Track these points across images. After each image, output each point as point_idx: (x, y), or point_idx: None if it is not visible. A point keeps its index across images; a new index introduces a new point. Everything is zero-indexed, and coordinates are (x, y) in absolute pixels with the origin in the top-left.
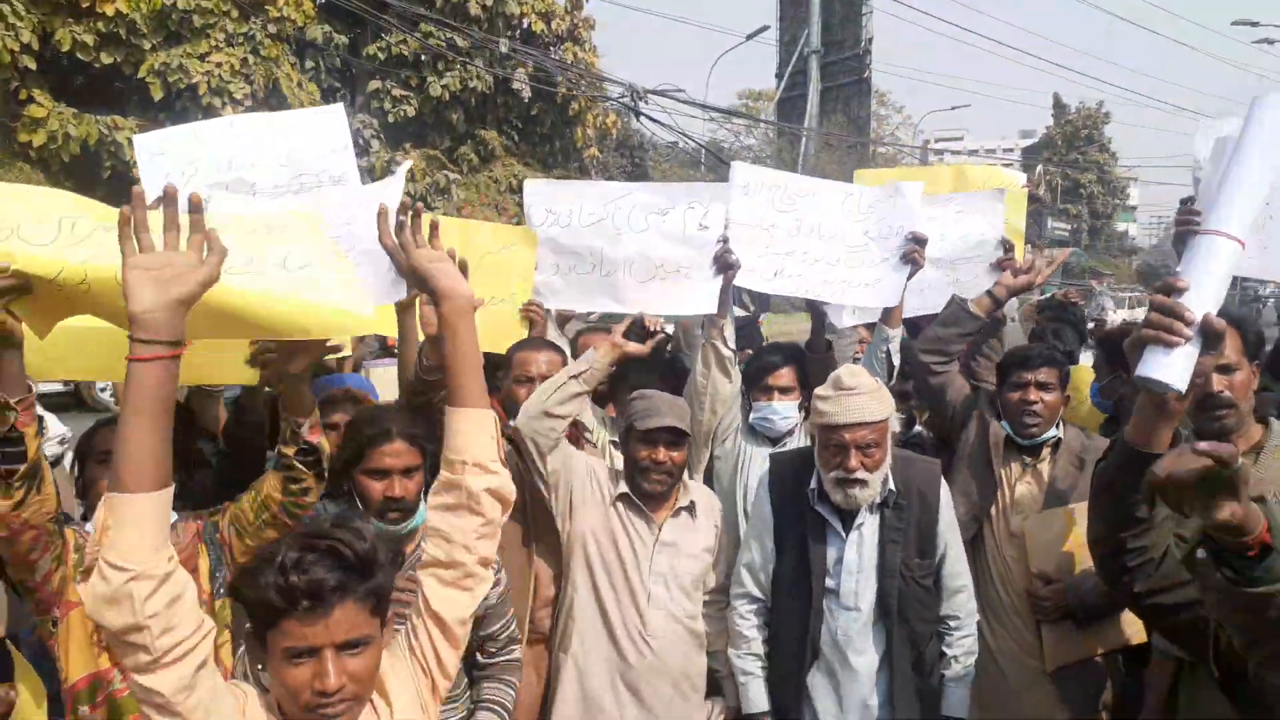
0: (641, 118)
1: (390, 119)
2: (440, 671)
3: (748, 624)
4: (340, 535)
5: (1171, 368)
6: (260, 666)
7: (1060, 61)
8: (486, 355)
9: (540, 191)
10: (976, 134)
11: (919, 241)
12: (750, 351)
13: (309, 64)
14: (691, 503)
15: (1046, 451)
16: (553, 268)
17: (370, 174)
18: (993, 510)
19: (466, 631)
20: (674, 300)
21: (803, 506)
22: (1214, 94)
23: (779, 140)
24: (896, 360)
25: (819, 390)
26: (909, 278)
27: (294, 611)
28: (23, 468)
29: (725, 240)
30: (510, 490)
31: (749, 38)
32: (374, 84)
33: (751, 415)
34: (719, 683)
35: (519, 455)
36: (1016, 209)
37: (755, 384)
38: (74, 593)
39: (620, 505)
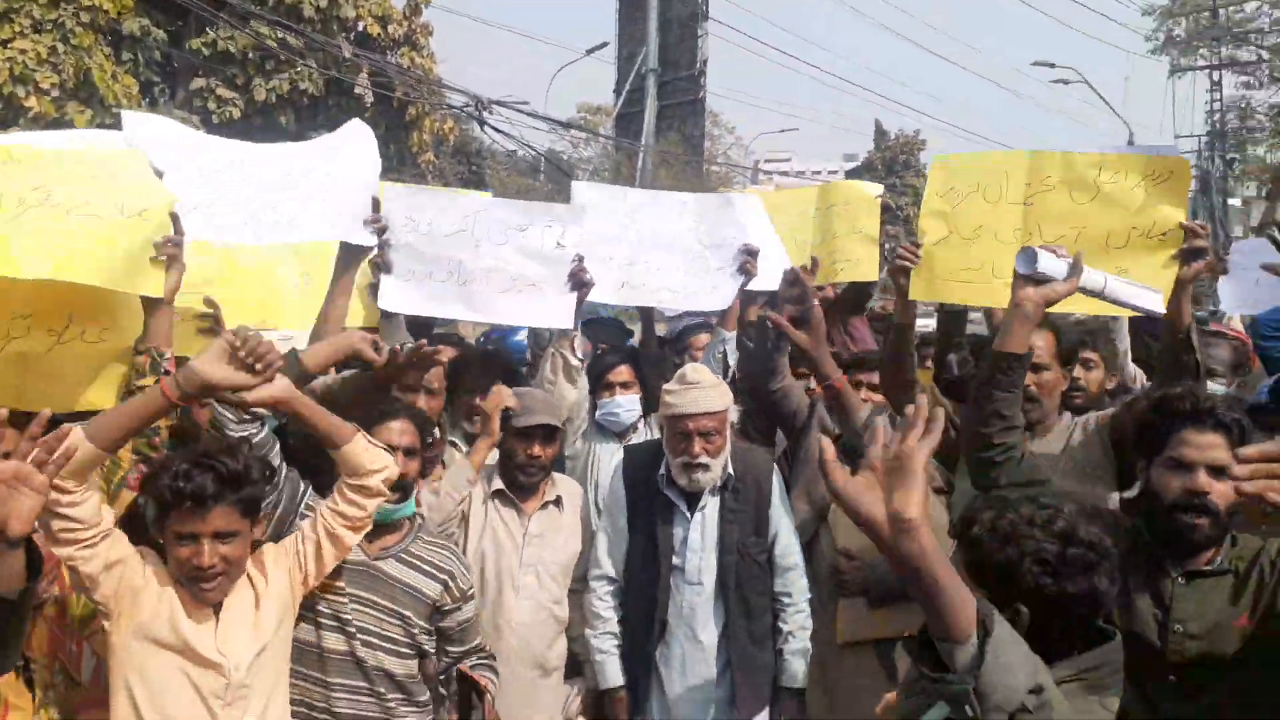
0: (486, 127)
1: (215, 119)
2: (315, 568)
3: (604, 605)
4: (221, 456)
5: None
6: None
7: (881, 91)
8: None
9: (400, 196)
10: (802, 157)
11: (750, 253)
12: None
13: (126, 56)
14: (559, 496)
15: None
16: (406, 274)
17: None
18: (832, 508)
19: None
20: (528, 312)
21: (653, 491)
22: (1019, 127)
23: (617, 155)
24: (732, 360)
25: (667, 386)
26: (742, 286)
27: (181, 507)
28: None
29: (580, 259)
30: (392, 473)
31: (588, 53)
32: (198, 81)
33: (598, 412)
34: (580, 665)
35: None
36: (871, 218)
37: (598, 383)
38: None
39: (495, 500)
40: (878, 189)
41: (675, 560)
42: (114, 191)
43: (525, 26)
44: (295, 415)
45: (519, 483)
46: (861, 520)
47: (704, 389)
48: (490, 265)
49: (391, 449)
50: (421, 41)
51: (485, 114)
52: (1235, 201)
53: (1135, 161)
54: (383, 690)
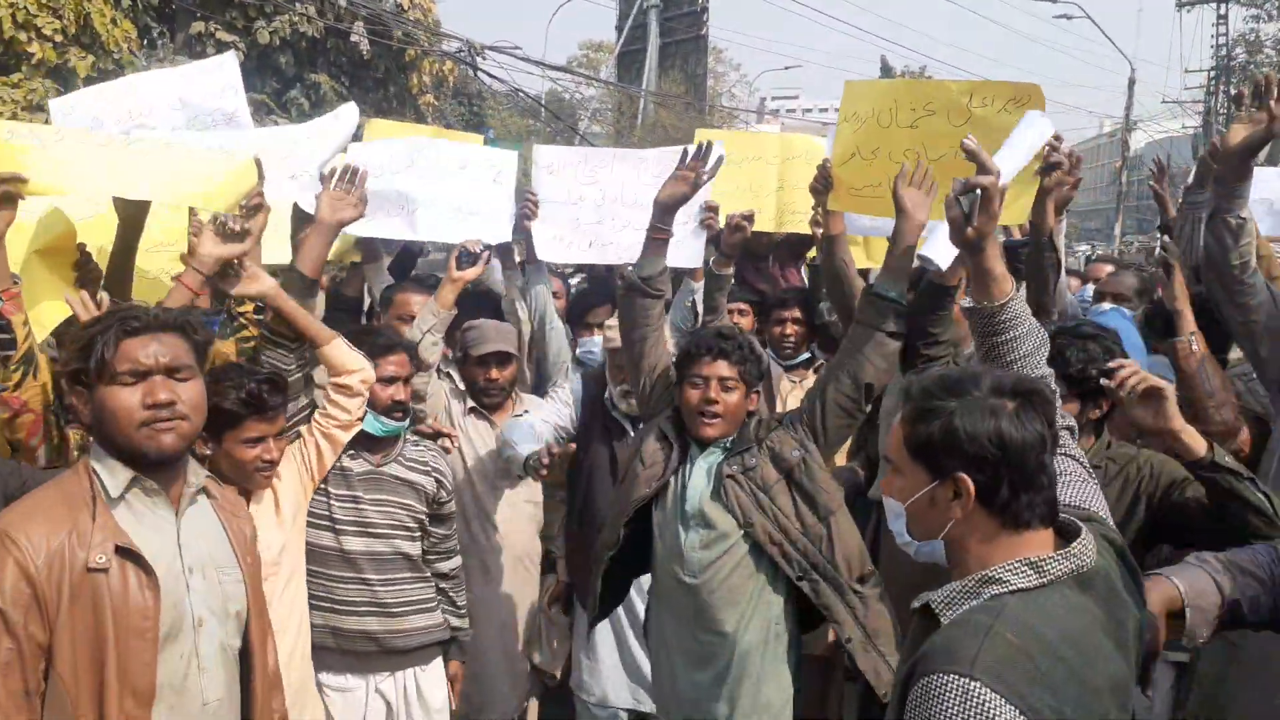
0: (480, 73)
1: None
2: (318, 467)
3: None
4: (272, 372)
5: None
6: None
7: (886, 31)
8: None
9: (362, 150)
10: (810, 93)
11: (711, 209)
12: None
13: (125, 1)
14: (525, 410)
15: (809, 371)
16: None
17: None
18: None
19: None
20: (466, 229)
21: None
22: (1015, 65)
23: (617, 94)
24: (700, 309)
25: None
26: (706, 240)
27: (257, 415)
28: (16, 353)
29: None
30: (368, 375)
31: None
32: (197, 25)
33: (577, 349)
34: (554, 563)
35: None
36: None
37: (578, 322)
38: None
39: (470, 416)
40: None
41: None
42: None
43: None
44: (279, 312)
45: (485, 404)
46: None
47: None
48: (434, 194)
49: (394, 379)
50: None
51: (479, 59)
52: None
53: (1000, 88)
54: (406, 573)
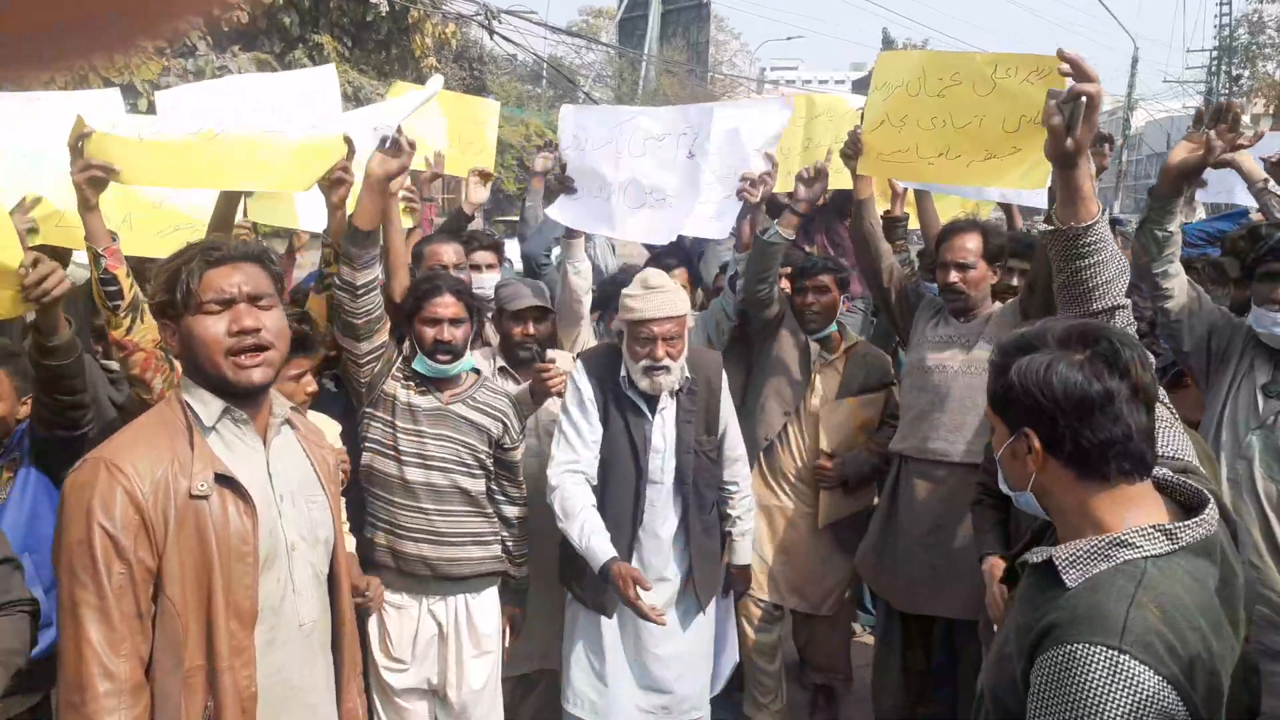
0: (496, 36)
1: (223, 25)
2: None
3: (581, 489)
4: (298, 313)
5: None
6: None
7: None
8: None
9: (570, 116)
10: (810, 65)
11: (745, 178)
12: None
13: None
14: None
15: (841, 347)
16: (576, 189)
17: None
18: (814, 412)
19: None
20: (653, 229)
21: (617, 394)
22: (1018, 40)
23: (619, 60)
24: (743, 278)
25: (627, 290)
26: (742, 213)
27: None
28: (124, 303)
29: (747, 179)
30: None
31: None
32: None
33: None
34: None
35: None
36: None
37: (609, 302)
38: None
39: (498, 377)
40: (859, 101)
41: (640, 460)
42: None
43: None
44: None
45: (519, 359)
46: None
47: (666, 293)
48: (626, 179)
49: (439, 320)
50: None
51: (494, 23)
52: (1245, 119)
53: (1023, 60)
54: (464, 506)
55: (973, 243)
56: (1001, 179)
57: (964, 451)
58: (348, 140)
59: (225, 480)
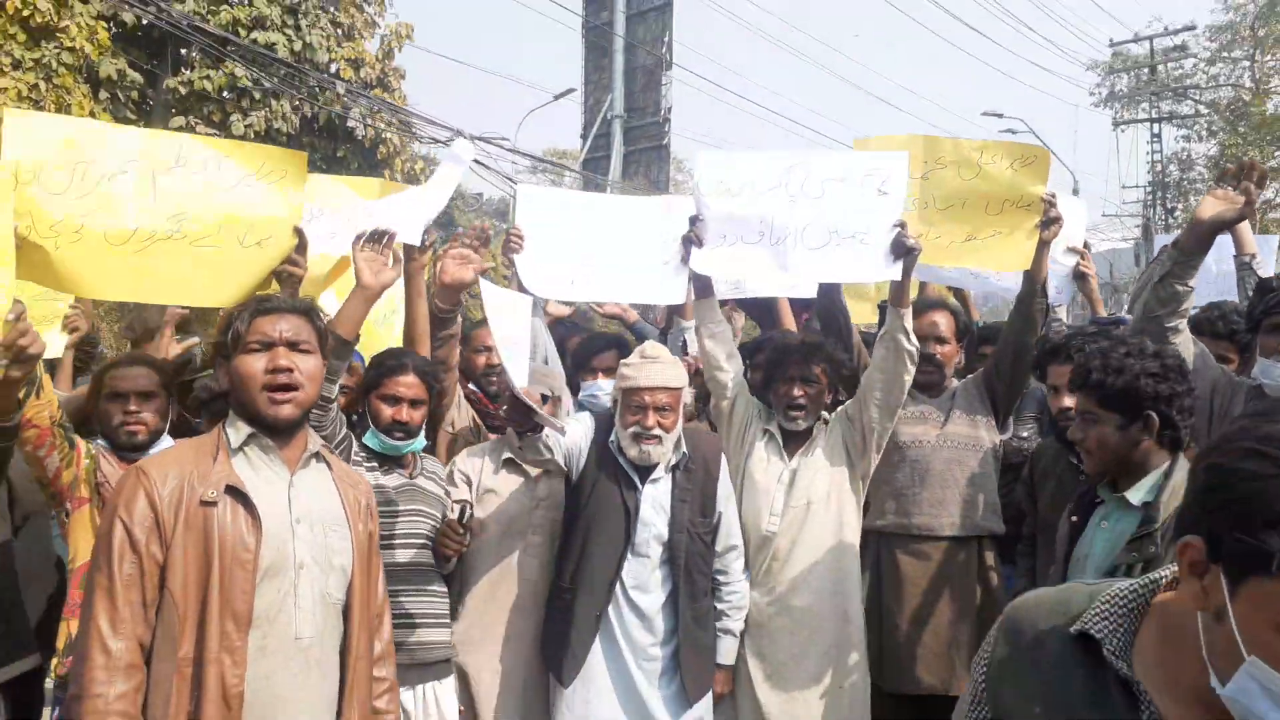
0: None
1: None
2: None
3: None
4: None
5: None
6: None
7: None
8: None
9: (714, 163)
10: None
11: (687, 242)
12: None
13: (104, 94)
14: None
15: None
16: (718, 238)
17: None
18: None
19: None
20: (846, 267)
21: (609, 460)
22: None
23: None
24: (693, 349)
25: (625, 360)
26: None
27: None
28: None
29: (902, 225)
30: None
31: (556, 98)
32: (176, 120)
33: (580, 393)
34: None
35: None
36: None
37: (583, 366)
38: (84, 490)
39: (504, 469)
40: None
41: (629, 527)
42: (239, 224)
43: (494, 68)
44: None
45: (493, 427)
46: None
47: (663, 364)
48: (807, 220)
49: (399, 400)
50: (394, 84)
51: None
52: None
53: (1007, 148)
54: (433, 585)
55: (944, 320)
56: (981, 259)
57: (948, 525)
58: (298, 231)
59: (235, 492)
